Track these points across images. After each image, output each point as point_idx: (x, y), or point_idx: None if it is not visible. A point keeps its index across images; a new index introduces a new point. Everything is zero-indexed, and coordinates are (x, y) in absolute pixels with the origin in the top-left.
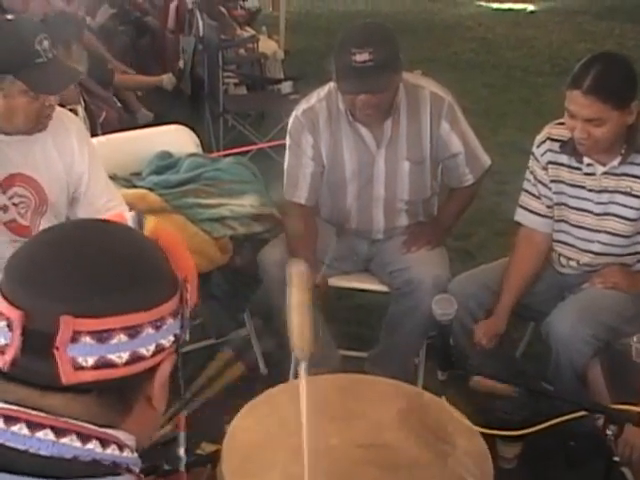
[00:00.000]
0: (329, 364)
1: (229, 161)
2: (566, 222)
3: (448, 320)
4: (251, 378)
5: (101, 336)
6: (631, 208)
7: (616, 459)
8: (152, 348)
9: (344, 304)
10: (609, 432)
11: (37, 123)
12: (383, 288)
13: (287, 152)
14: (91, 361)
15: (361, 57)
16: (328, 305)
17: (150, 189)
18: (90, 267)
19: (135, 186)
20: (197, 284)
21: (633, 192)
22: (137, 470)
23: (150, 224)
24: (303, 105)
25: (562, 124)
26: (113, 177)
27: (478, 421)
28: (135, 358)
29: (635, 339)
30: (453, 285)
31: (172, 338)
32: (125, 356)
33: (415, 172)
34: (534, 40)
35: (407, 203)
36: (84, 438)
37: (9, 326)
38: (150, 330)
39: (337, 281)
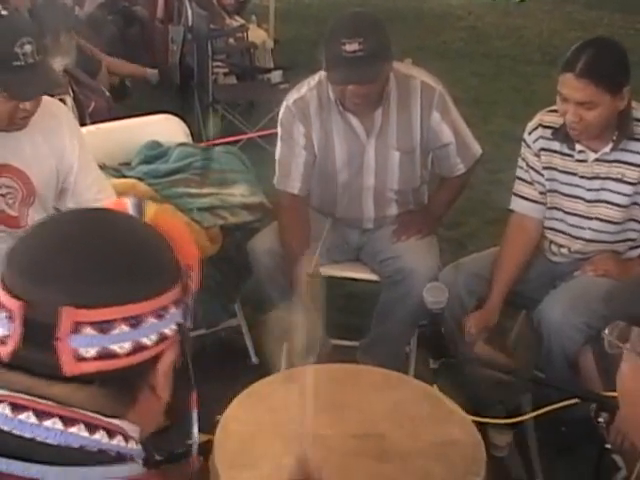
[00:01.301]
0: (321, 354)
1: (219, 150)
2: (558, 209)
3: (439, 309)
4: (242, 368)
5: (102, 327)
6: (622, 194)
7: (608, 446)
8: (154, 337)
9: (335, 293)
10: (601, 419)
11: (10, 124)
12: (374, 277)
13: (279, 142)
14: (93, 352)
15: (351, 47)
16: (320, 294)
17: (139, 179)
18: (90, 258)
19: (124, 176)
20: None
21: (624, 179)
22: (140, 461)
23: (151, 211)
24: (294, 95)
25: (554, 111)
26: (102, 167)
27: (470, 409)
28: (137, 348)
29: (607, 331)
30: (444, 274)
31: (175, 327)
32: (127, 346)
33: (405, 162)
34: (524, 29)
35: (397, 193)
36: (92, 428)
37: (10, 317)
38: (152, 319)
39: (328, 270)
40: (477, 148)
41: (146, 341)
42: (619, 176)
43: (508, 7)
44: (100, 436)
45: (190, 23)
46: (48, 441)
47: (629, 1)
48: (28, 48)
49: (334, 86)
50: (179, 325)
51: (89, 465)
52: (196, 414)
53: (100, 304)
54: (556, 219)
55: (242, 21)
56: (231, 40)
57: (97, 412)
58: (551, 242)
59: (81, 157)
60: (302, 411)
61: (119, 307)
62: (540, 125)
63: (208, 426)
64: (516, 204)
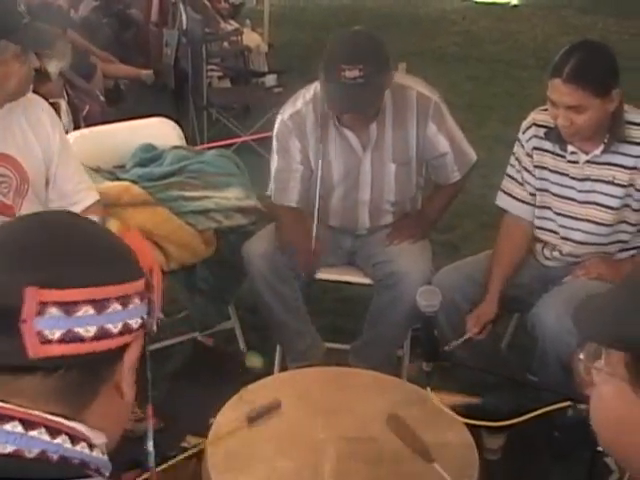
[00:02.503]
0: (314, 357)
1: (213, 154)
2: (549, 209)
3: (432, 312)
4: (236, 371)
5: (68, 308)
6: (613, 197)
7: (600, 449)
8: (119, 326)
9: (329, 297)
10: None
11: (26, 88)
12: (367, 280)
13: (274, 156)
14: (58, 334)
15: (351, 74)
16: (313, 298)
17: (134, 182)
18: (54, 239)
19: (119, 179)
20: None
21: (615, 181)
22: (107, 474)
23: (113, 226)
24: (289, 109)
25: (547, 110)
26: (97, 170)
27: (462, 412)
28: (102, 333)
29: (581, 356)
30: (438, 277)
31: (140, 320)
32: (93, 330)
33: (401, 173)
34: (518, 34)
35: (393, 204)
36: (53, 432)
37: None
38: (117, 306)
39: (321, 274)
40: (472, 154)
41: (111, 328)
42: (610, 178)
43: (502, 12)
44: (62, 440)
45: (185, 27)
46: (7, 447)
47: (623, 6)
48: (22, 5)
49: (332, 112)
50: (143, 320)
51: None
52: (151, 426)
53: (64, 284)
54: (546, 218)
55: (236, 25)
56: (225, 44)
57: (59, 411)
58: (544, 246)
59: (62, 148)
60: (295, 414)
61: (84, 289)
62: (534, 124)
63: (202, 429)
64: (507, 203)
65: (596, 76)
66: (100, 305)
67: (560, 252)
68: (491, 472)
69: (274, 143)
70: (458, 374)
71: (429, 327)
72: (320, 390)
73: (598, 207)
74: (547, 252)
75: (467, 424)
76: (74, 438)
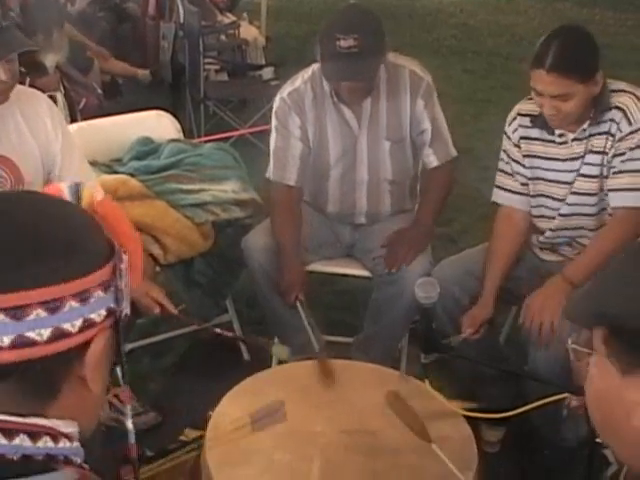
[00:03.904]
0: (314, 350)
1: (210, 147)
2: (541, 196)
3: (431, 303)
4: (234, 364)
5: (16, 312)
6: (594, 165)
7: (599, 441)
8: (78, 323)
9: (328, 290)
10: None
11: (4, 95)
12: (366, 273)
13: (273, 134)
14: (7, 341)
15: (346, 43)
16: (312, 291)
17: (131, 175)
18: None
19: (116, 172)
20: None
21: (594, 149)
22: (79, 460)
23: (87, 196)
24: (288, 87)
25: (532, 99)
26: (94, 163)
27: (461, 405)
28: (58, 335)
29: (570, 341)
30: (436, 271)
31: (104, 312)
32: (46, 333)
33: (396, 151)
34: (515, 26)
35: (390, 183)
36: (9, 434)
37: None
38: (74, 303)
39: (320, 267)
40: (452, 148)
41: (68, 327)
42: (590, 147)
43: (499, 4)
44: (20, 441)
45: (182, 20)
46: None
47: None
48: None
49: (329, 81)
50: (110, 310)
51: (9, 478)
52: (129, 409)
53: (10, 288)
54: (543, 206)
55: (234, 18)
56: (223, 37)
57: (15, 412)
58: (538, 237)
59: (64, 148)
60: (294, 407)
61: (33, 290)
62: (518, 114)
63: (200, 422)
64: (498, 196)
65: (578, 62)
66: (53, 305)
67: (551, 229)
68: (490, 465)
69: (273, 121)
70: (456, 367)
71: (427, 319)
72: (318, 383)
73: (582, 178)
74: (542, 238)
75: (466, 417)
76: (33, 434)
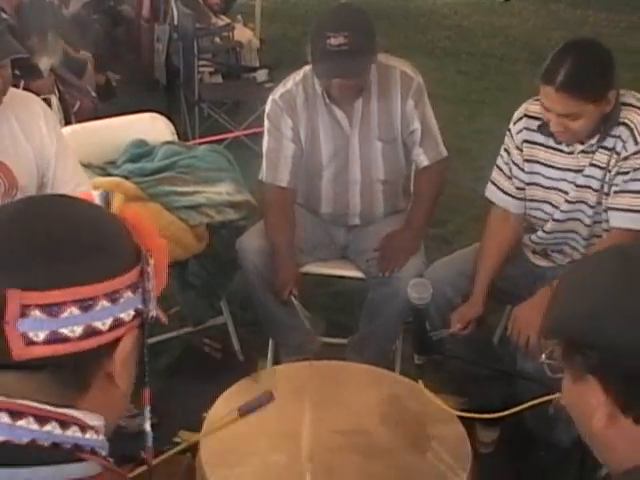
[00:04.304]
0: (309, 351)
1: (205, 149)
2: (537, 201)
3: (424, 304)
4: (229, 366)
5: (51, 310)
6: (595, 179)
7: None
8: (109, 322)
9: (323, 291)
10: None
11: None
12: (360, 274)
13: (266, 136)
14: (42, 336)
15: (336, 41)
16: (306, 293)
17: (125, 177)
18: (36, 239)
19: (110, 174)
20: (168, 267)
21: (597, 163)
22: (104, 453)
23: (117, 203)
24: (280, 89)
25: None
26: (88, 165)
27: (455, 405)
28: (90, 332)
29: (544, 356)
30: (430, 272)
31: (132, 312)
32: (79, 330)
33: (388, 151)
34: (509, 28)
35: (383, 183)
36: (41, 420)
37: None
38: (105, 303)
39: (315, 268)
40: (443, 148)
41: (99, 325)
42: (593, 161)
43: (493, 6)
44: (51, 427)
45: (176, 22)
46: None
47: (614, 0)
48: None
49: (319, 79)
50: (138, 311)
51: (40, 465)
52: (148, 410)
53: (47, 286)
54: (534, 209)
55: (228, 20)
56: (217, 39)
57: (48, 402)
58: (530, 236)
59: (59, 151)
60: (288, 408)
61: (67, 289)
62: (525, 115)
63: (195, 423)
64: (495, 196)
65: (590, 83)
66: (86, 304)
67: (544, 230)
68: (484, 465)
69: (265, 123)
70: (450, 367)
71: (420, 320)
72: (313, 384)
73: (579, 188)
74: (534, 237)
75: (460, 417)
76: (64, 423)
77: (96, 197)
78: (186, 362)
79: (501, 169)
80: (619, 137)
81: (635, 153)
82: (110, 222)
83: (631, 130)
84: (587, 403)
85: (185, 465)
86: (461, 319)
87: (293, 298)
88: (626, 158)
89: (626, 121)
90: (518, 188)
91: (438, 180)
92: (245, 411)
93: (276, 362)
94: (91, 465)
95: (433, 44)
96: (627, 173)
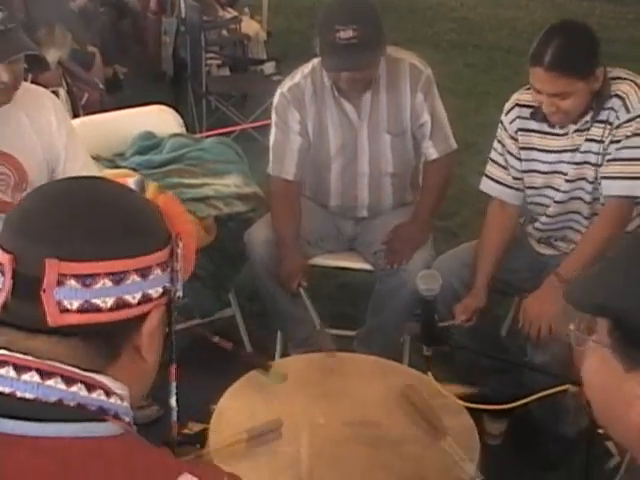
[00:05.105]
0: (317, 343)
1: (212, 141)
2: (536, 188)
3: (432, 296)
4: (237, 358)
5: (85, 280)
6: (592, 153)
7: (601, 432)
8: (138, 296)
9: (330, 283)
10: None
11: (6, 97)
12: (368, 267)
13: (273, 128)
14: (76, 305)
15: (345, 34)
16: (314, 284)
17: (133, 169)
18: (76, 214)
19: (118, 166)
20: (194, 252)
21: (592, 137)
22: (127, 419)
23: (152, 189)
24: (288, 82)
25: (530, 89)
26: (96, 158)
27: (464, 397)
28: (120, 304)
29: (572, 327)
30: (436, 264)
31: (161, 289)
32: (110, 301)
33: (397, 144)
34: (516, 20)
35: (392, 176)
36: (68, 381)
37: (1, 271)
38: (136, 278)
39: (322, 260)
40: (452, 141)
41: (129, 299)
42: (589, 136)
43: None
44: (77, 389)
45: (183, 15)
46: (26, 395)
47: None
48: None
49: (329, 73)
50: (165, 289)
51: (65, 421)
52: (174, 386)
53: (83, 258)
54: (536, 195)
55: (235, 13)
56: (224, 32)
57: (76, 366)
58: (534, 225)
59: (69, 145)
60: (296, 400)
61: (102, 262)
62: (517, 104)
63: (203, 415)
64: (487, 186)
65: (577, 60)
66: (118, 277)
67: (547, 215)
68: (492, 457)
69: (273, 116)
70: (458, 359)
71: (429, 311)
72: (321, 376)
73: (577, 165)
74: (538, 224)
75: (468, 409)
76: (90, 386)
77: (131, 183)
78: (194, 353)
79: (495, 161)
80: (612, 108)
81: (627, 121)
82: (144, 204)
83: (623, 100)
84: (627, 391)
85: (193, 456)
86: (464, 310)
87: (302, 290)
88: (618, 126)
89: (618, 92)
90: (515, 178)
91: (447, 173)
92: (254, 438)
93: (284, 355)
94: (114, 426)
95: (439, 37)
96: (619, 141)
